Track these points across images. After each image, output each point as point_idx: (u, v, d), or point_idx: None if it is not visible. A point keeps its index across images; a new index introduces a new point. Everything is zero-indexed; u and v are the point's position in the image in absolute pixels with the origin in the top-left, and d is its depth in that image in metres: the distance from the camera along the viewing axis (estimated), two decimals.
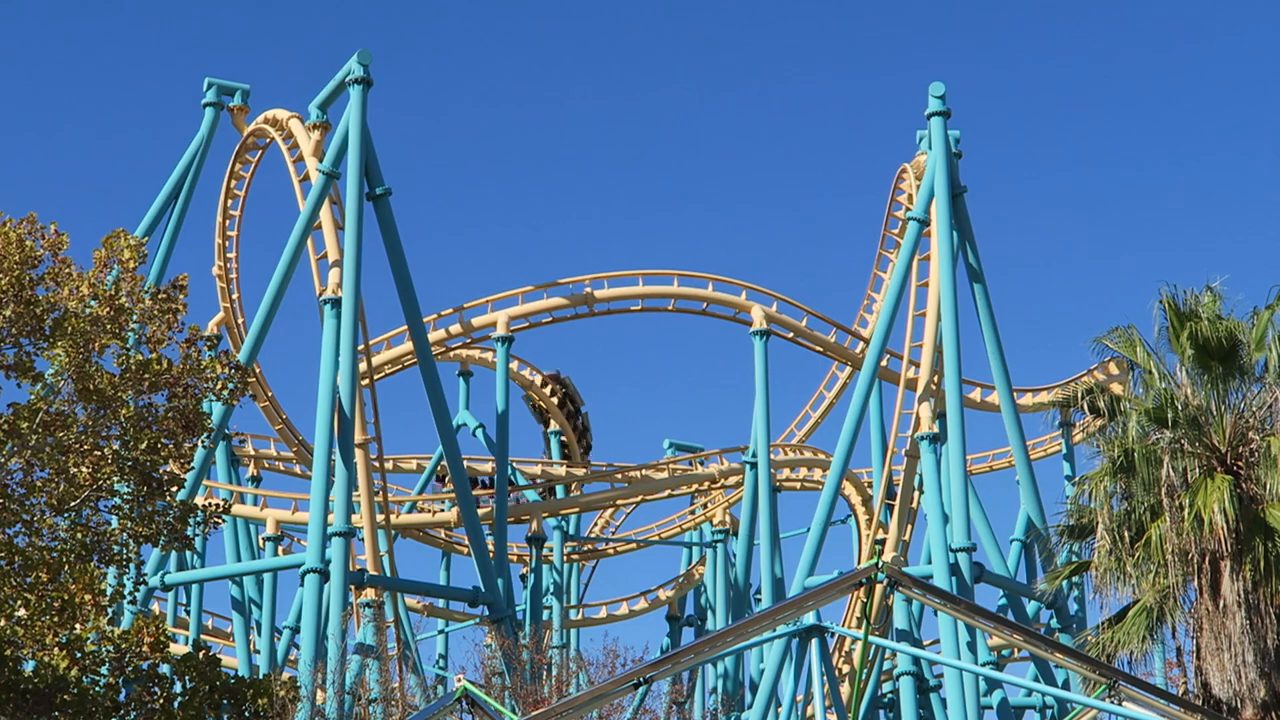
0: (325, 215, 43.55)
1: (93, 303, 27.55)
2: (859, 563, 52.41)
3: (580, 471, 55.45)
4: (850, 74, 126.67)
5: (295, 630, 47.52)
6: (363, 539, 42.71)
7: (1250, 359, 27.06)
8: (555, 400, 58.92)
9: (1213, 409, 26.79)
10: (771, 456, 49.04)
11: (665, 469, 54.06)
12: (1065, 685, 40.91)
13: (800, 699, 39.09)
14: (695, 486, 54.47)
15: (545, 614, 51.22)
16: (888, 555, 44.39)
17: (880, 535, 47.58)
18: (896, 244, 48.57)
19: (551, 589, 52.69)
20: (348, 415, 40.79)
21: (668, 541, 58.32)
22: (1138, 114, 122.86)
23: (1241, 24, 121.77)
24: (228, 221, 48.76)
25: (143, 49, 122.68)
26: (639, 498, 54.52)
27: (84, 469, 27.07)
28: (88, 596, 26.25)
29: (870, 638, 22.77)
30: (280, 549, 48.69)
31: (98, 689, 26.41)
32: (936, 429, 44.02)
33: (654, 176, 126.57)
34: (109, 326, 27.39)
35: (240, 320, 48.86)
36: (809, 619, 23.19)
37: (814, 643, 22.94)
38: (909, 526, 46.61)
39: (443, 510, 50.59)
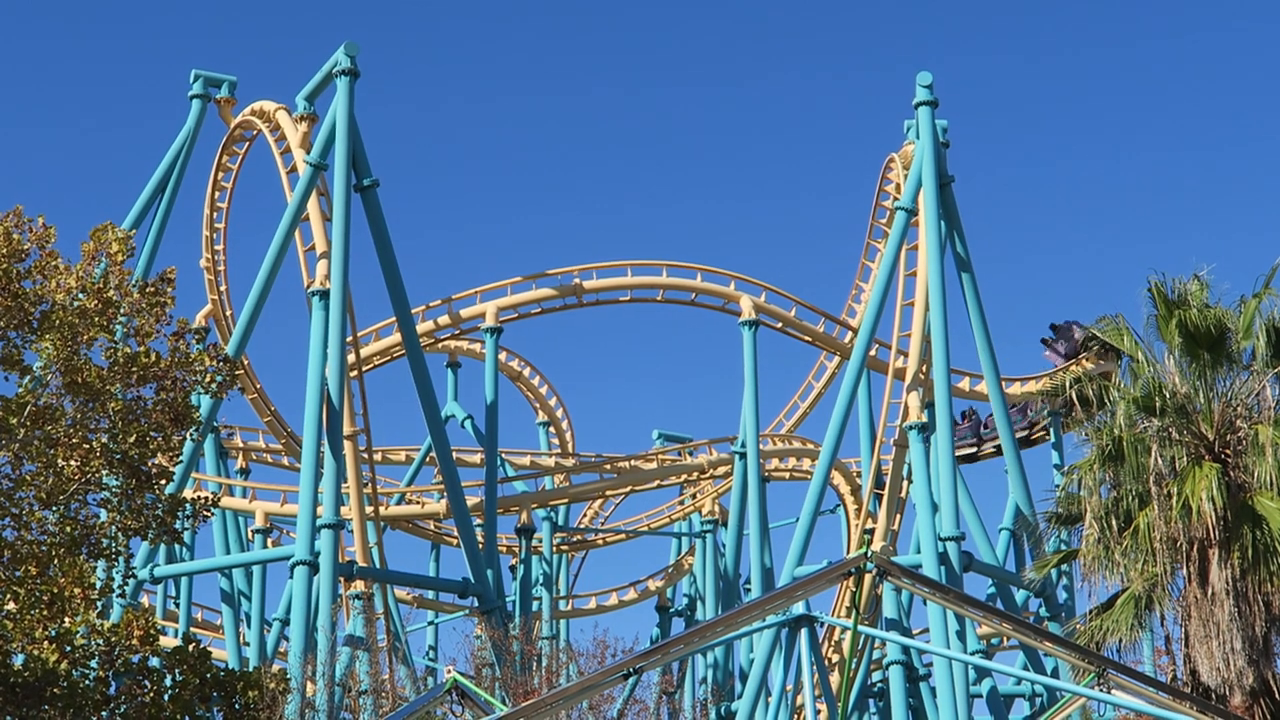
0: (313, 207, 43.51)
1: (80, 296, 27.51)
2: (848, 552, 52.46)
3: (569, 462, 55.49)
4: (838, 64, 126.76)
5: (285, 622, 47.57)
6: (352, 531, 42.69)
7: (1238, 347, 27.09)
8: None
9: (1201, 397, 26.82)
10: (760, 446, 49.08)
11: (654, 459, 54.07)
12: (1054, 673, 40.97)
13: (790, 689, 39.05)
14: (684, 477, 54.49)
15: (535, 605, 51.23)
16: (876, 544, 44.44)
17: (869, 525, 47.65)
18: (884, 234, 48.61)
19: (541, 580, 52.71)
20: (336, 407, 40.77)
21: (657, 532, 58.35)
22: (1125, 103, 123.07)
23: (1229, 14, 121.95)
24: (215, 214, 48.69)
25: (129, 41, 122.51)
26: (628, 488, 54.55)
27: (72, 462, 27.04)
28: (77, 590, 26.22)
29: (859, 627, 22.77)
30: (269, 541, 48.66)
31: (88, 682, 26.38)
32: (925, 418, 44.06)
33: (643, 167, 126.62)
34: (97, 319, 27.36)
35: (228, 313, 48.80)
36: (798, 609, 23.20)
37: (803, 632, 22.94)
38: (898, 516, 46.69)
39: (432, 502, 50.57)
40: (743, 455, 48.82)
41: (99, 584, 27.43)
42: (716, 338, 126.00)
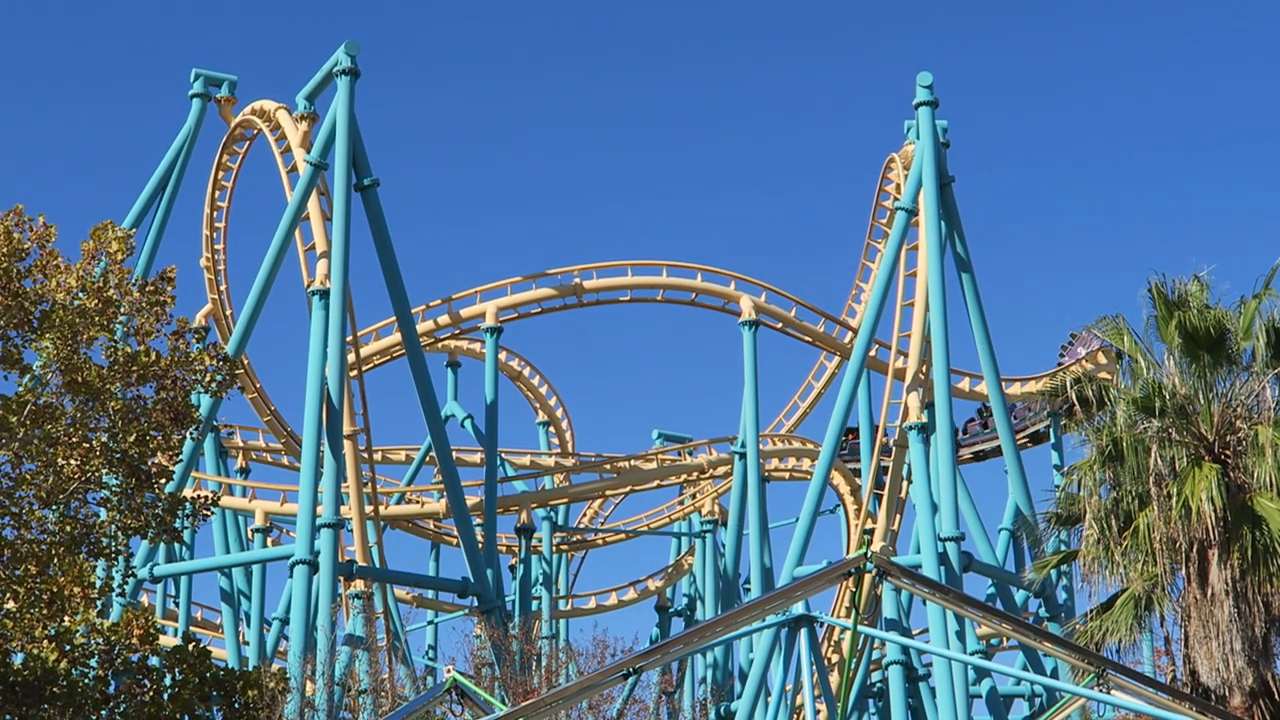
0: (313, 206, 43.51)
1: (81, 295, 27.51)
2: (848, 552, 52.46)
3: (569, 462, 55.48)
4: (838, 64, 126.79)
5: (284, 622, 47.56)
6: (351, 530, 42.68)
7: (1238, 348, 27.08)
8: None
9: (1200, 398, 26.80)
10: (760, 446, 49.08)
11: (654, 459, 54.07)
12: (1053, 674, 40.99)
13: (789, 688, 39.12)
14: (684, 477, 54.50)
15: (534, 605, 51.24)
16: (876, 545, 44.45)
17: (869, 525, 47.64)
18: (885, 234, 48.62)
19: (541, 579, 52.71)
20: (336, 406, 40.77)
21: (657, 532, 58.36)
22: (1126, 103, 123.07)
23: (1229, 14, 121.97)
24: (215, 213, 48.69)
25: (129, 40, 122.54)
26: (628, 488, 54.55)
27: (72, 461, 27.03)
28: (76, 589, 26.23)
29: (859, 627, 22.75)
30: (269, 540, 48.67)
31: (87, 681, 26.38)
32: (925, 418, 44.05)
33: (643, 168, 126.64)
34: (97, 318, 27.35)
35: (228, 312, 48.80)
36: (798, 609, 23.17)
37: (803, 632, 22.91)
38: (897, 516, 46.69)
39: (431, 501, 50.56)
40: (742, 455, 48.83)
41: (99, 583, 27.43)
42: (716, 338, 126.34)
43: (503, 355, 54.55)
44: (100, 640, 26.61)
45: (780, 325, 50.77)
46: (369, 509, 43.62)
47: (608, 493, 56.39)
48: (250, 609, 48.44)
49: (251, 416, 51.61)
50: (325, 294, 41.53)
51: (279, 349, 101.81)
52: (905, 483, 45.90)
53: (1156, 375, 27.02)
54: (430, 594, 51.73)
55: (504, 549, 52.74)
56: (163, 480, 28.49)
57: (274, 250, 43.38)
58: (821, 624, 26.86)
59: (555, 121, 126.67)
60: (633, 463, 53.64)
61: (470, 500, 45.95)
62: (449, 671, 25.16)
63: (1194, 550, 25.78)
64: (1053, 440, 55.61)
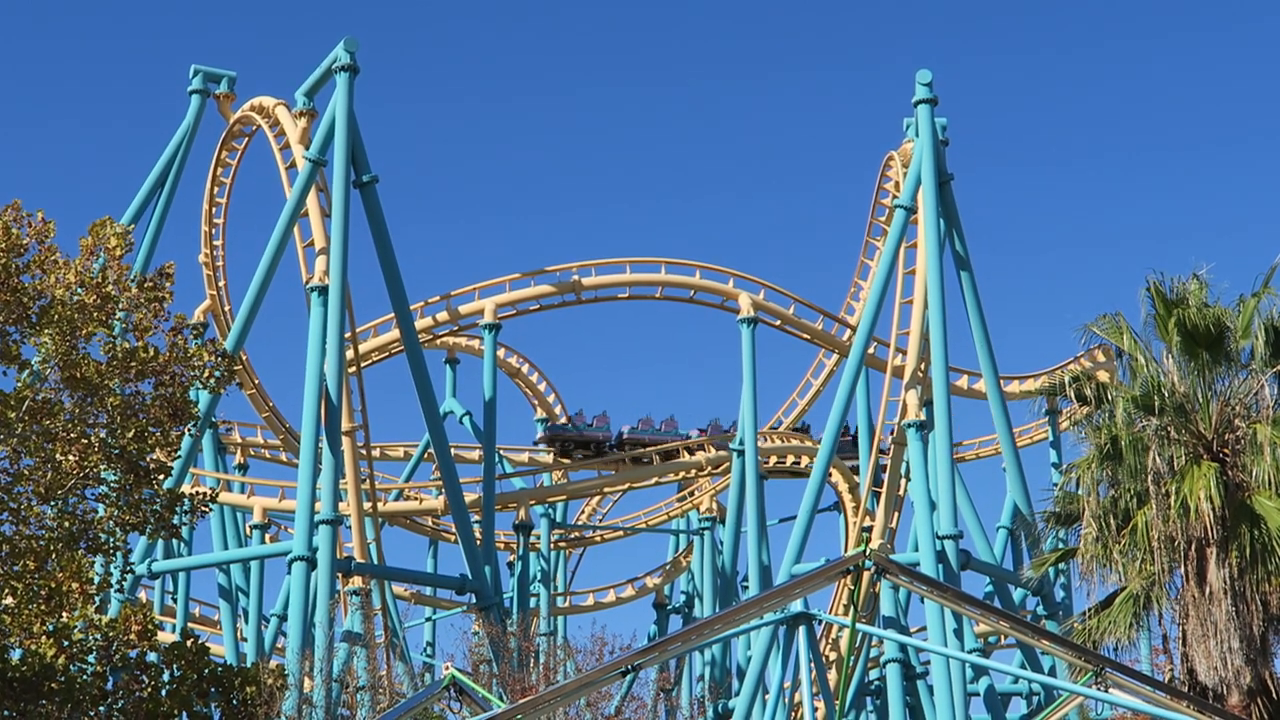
0: (312, 203, 43.49)
1: (79, 290, 27.48)
2: (846, 550, 52.44)
3: (567, 459, 55.48)
4: (837, 62, 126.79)
5: (283, 618, 47.56)
6: (350, 527, 42.68)
7: (1236, 346, 27.09)
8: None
9: (1199, 396, 26.81)
10: (759, 444, 49.09)
11: (652, 456, 54.06)
12: (1051, 672, 40.97)
13: (788, 686, 39.12)
14: (682, 474, 54.50)
15: (533, 601, 51.25)
16: (875, 542, 44.39)
17: (867, 522, 47.63)
18: (883, 232, 48.61)
19: (539, 576, 52.72)
20: (335, 403, 40.76)
21: (655, 529, 58.37)
22: (1125, 102, 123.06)
23: (1228, 14, 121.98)
24: (214, 209, 48.68)
25: (129, 36, 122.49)
26: (626, 485, 54.55)
27: (71, 457, 27.02)
28: (75, 585, 26.22)
29: (857, 625, 22.77)
30: (267, 537, 48.67)
31: (85, 677, 26.37)
32: (923, 416, 44.04)
33: (642, 165, 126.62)
34: (95, 314, 27.33)
35: (227, 308, 48.79)
36: (796, 606, 23.17)
37: (801, 630, 22.90)
38: (896, 514, 46.69)
39: (430, 498, 50.57)
40: (741, 452, 48.83)
41: (97, 579, 27.43)
42: (715, 335, 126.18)
43: (501, 352, 54.57)
44: (98, 636, 26.60)
45: (779, 323, 50.80)
46: (367, 505, 43.62)
47: (606, 490, 56.40)
48: (248, 605, 48.44)
49: (250, 413, 51.67)
50: (324, 290, 41.52)
51: (278, 345, 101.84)
52: (904, 480, 45.90)
53: (1155, 373, 27.02)
54: (428, 591, 51.75)
55: (502, 546, 52.76)
56: (161, 476, 28.48)
57: (273, 246, 43.36)
58: (820, 621, 26.87)
59: (555, 120, 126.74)
60: (631, 460, 53.64)
61: (468, 497, 45.95)
62: (447, 668, 25.13)
63: (1192, 549, 25.79)
64: (1051, 438, 55.60)
